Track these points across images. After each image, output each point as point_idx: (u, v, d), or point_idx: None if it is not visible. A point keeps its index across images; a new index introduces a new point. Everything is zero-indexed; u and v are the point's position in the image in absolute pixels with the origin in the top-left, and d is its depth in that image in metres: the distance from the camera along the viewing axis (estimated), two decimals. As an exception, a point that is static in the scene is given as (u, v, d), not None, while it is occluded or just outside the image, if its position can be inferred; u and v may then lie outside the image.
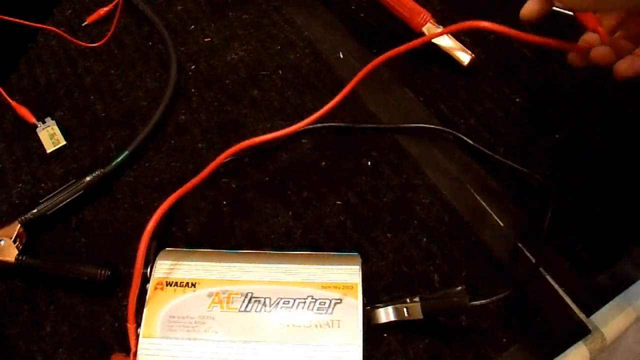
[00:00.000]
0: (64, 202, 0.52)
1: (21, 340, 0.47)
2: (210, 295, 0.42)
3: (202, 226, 0.52)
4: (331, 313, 0.41)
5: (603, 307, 0.48)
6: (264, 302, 0.42)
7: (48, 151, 0.57)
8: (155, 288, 0.43)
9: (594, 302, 0.48)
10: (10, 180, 0.56)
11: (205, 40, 0.65)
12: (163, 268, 0.44)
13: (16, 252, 0.49)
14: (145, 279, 0.44)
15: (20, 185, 0.55)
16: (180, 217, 0.53)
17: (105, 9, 0.67)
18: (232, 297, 0.42)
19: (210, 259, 0.44)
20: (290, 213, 0.52)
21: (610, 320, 0.47)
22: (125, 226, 0.53)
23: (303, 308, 0.41)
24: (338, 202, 0.53)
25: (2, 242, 0.49)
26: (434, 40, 0.58)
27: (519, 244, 0.50)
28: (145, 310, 0.42)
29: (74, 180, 0.53)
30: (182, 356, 0.40)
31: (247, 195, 0.54)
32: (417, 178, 0.54)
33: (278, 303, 0.41)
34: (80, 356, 0.46)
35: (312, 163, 0.55)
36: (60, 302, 0.49)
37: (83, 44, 0.65)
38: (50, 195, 0.52)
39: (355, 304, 0.41)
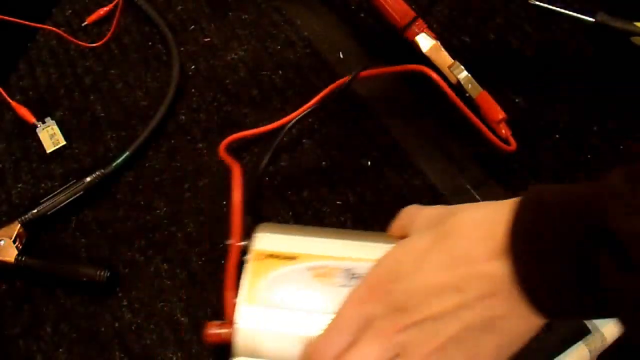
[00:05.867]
0: (64, 203, 0.52)
1: (21, 340, 0.47)
2: (310, 268, 0.42)
3: (202, 226, 0.52)
4: None
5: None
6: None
7: (48, 151, 0.57)
8: (255, 259, 0.43)
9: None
10: (10, 180, 0.56)
11: (205, 40, 0.65)
12: (262, 240, 0.44)
13: (16, 252, 0.49)
14: (243, 251, 0.44)
15: (20, 185, 0.55)
16: (180, 217, 0.53)
17: (105, 9, 0.67)
18: (332, 272, 0.42)
19: (310, 233, 0.45)
20: (290, 213, 0.52)
21: (610, 321, 0.47)
22: (125, 226, 0.53)
23: None
24: (338, 202, 0.53)
25: (2, 242, 0.49)
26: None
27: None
28: (245, 280, 0.42)
29: (74, 181, 0.53)
30: (280, 326, 0.40)
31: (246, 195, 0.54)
32: (417, 178, 0.54)
33: None
34: (80, 356, 0.46)
35: (312, 163, 0.55)
36: (60, 303, 0.49)
37: (83, 44, 0.65)
38: (50, 195, 0.52)
39: None
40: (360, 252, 0.43)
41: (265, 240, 0.44)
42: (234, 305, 0.42)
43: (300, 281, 0.41)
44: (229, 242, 0.47)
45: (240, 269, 0.43)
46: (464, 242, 0.32)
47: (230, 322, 0.41)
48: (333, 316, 0.37)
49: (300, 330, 0.40)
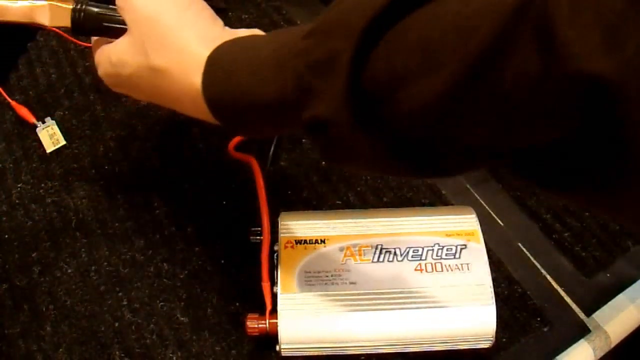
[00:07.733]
0: None
1: (21, 340, 0.47)
2: (341, 249, 0.44)
3: (202, 225, 0.52)
4: (459, 257, 0.43)
5: (603, 307, 0.48)
6: (395, 252, 0.43)
7: (48, 151, 0.57)
8: (285, 247, 0.44)
9: (594, 301, 0.48)
10: (10, 180, 0.56)
11: (205, 40, 0.65)
12: (288, 228, 0.45)
13: None
14: (272, 242, 0.46)
15: (20, 185, 0.55)
16: (180, 217, 0.53)
17: (105, 9, 0.67)
18: (363, 250, 0.44)
19: (334, 217, 0.46)
20: (291, 213, 0.52)
21: (611, 320, 0.47)
22: (124, 225, 0.53)
23: (432, 255, 0.43)
24: (338, 202, 0.53)
25: None
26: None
27: (519, 244, 0.50)
28: (279, 268, 0.43)
29: None
30: (322, 308, 0.42)
31: (246, 195, 0.54)
32: (417, 178, 0.54)
33: (408, 252, 0.43)
34: (80, 356, 0.46)
35: (312, 163, 0.55)
36: (60, 302, 0.49)
37: (83, 44, 0.65)
38: None
39: (479, 248, 0.44)
40: (385, 229, 0.45)
41: (290, 228, 0.45)
42: (272, 295, 0.43)
43: (334, 262, 0.43)
44: (258, 235, 0.47)
45: (273, 260, 0.45)
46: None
47: (269, 313, 0.42)
48: (371, 293, 0.41)
49: (339, 309, 0.41)
